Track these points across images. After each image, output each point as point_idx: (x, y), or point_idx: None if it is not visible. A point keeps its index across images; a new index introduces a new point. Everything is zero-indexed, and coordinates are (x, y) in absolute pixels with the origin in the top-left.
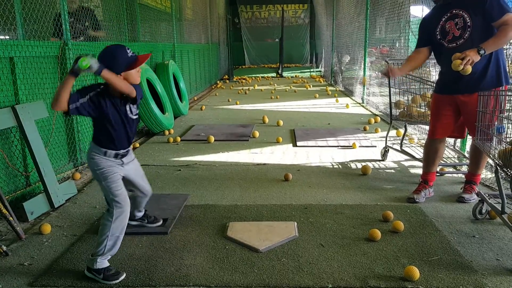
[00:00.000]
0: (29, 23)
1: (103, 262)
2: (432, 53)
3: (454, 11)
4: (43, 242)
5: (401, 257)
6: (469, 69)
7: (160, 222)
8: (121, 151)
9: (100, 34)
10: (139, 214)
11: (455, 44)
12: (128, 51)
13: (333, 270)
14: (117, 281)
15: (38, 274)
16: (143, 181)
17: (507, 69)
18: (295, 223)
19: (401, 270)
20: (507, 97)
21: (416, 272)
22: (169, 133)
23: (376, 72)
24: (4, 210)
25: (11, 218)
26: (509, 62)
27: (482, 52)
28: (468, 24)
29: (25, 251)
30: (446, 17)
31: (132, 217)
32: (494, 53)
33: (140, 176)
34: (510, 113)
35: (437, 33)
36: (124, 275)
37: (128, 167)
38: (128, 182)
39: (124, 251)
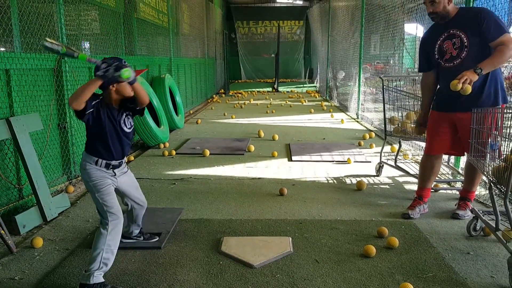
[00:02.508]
0: (26, 35)
1: (99, 277)
2: None
3: (452, 31)
4: (35, 256)
5: (396, 273)
6: (468, 88)
7: (156, 239)
8: (113, 162)
9: None
10: (136, 231)
11: (452, 64)
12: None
13: (327, 287)
14: None
15: None
16: (137, 192)
17: (505, 87)
18: (290, 239)
19: (396, 287)
20: (504, 115)
21: None
22: (164, 147)
23: (371, 88)
24: None
25: (2, 232)
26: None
27: (479, 71)
28: (465, 44)
29: (16, 265)
30: (443, 36)
31: (128, 234)
32: (491, 71)
33: (134, 188)
34: (503, 131)
35: (435, 52)
36: None
37: (121, 179)
38: (122, 194)
39: (116, 266)
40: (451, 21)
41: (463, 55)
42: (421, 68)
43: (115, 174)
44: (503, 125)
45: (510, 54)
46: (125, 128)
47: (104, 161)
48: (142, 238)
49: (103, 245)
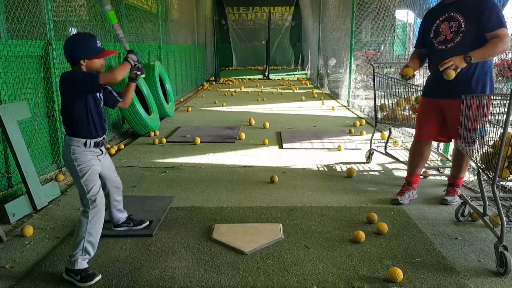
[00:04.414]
0: (12, 21)
1: (83, 263)
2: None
3: (452, 14)
4: (25, 244)
5: (385, 258)
6: (452, 74)
7: (147, 223)
8: (99, 139)
9: None
10: (123, 217)
11: (444, 47)
12: (98, 41)
13: (317, 271)
14: (92, 282)
15: (19, 277)
16: (115, 174)
17: (495, 73)
18: (281, 225)
19: (385, 272)
20: (490, 101)
21: (399, 274)
22: (155, 135)
23: (362, 75)
24: None
25: None
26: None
27: (468, 59)
28: (462, 29)
29: (6, 254)
30: (443, 17)
31: (116, 222)
32: (484, 63)
33: (112, 170)
34: (492, 117)
35: (432, 31)
36: (100, 276)
37: (104, 159)
38: (102, 178)
39: (108, 254)
40: (455, 3)
41: (457, 39)
42: (416, 44)
43: (103, 153)
44: (492, 112)
45: (502, 48)
46: (101, 102)
47: (92, 141)
48: (132, 224)
49: (84, 233)
